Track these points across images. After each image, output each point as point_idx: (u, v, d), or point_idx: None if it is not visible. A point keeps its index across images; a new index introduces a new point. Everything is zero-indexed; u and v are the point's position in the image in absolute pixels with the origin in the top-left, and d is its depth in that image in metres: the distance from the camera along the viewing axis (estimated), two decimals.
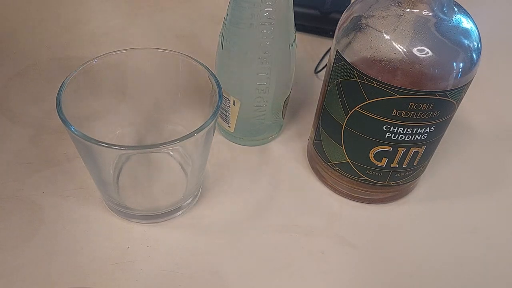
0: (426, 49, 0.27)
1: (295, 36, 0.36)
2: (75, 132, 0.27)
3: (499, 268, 0.33)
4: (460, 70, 0.28)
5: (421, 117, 0.30)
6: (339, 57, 0.31)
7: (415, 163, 0.34)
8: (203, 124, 0.29)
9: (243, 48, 0.35)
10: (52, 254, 0.31)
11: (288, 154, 0.40)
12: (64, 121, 0.28)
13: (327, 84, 0.33)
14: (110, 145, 0.27)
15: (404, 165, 0.33)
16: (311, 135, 0.38)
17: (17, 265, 0.31)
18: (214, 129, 0.32)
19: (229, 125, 0.39)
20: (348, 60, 0.30)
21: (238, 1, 0.33)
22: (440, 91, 0.28)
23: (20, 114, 0.42)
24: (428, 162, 0.35)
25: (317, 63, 0.50)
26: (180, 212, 0.34)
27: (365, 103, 0.30)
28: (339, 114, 0.32)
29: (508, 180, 0.40)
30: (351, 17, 0.30)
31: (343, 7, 0.54)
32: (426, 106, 0.29)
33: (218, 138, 0.41)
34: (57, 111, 0.29)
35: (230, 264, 0.32)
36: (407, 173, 0.34)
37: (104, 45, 0.51)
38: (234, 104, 0.37)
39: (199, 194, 0.36)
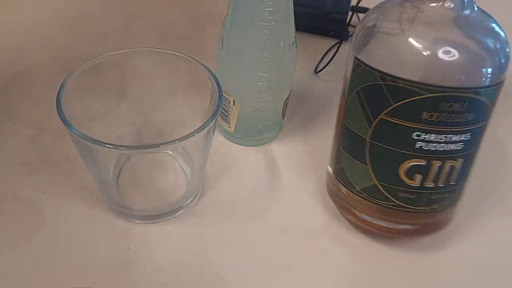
0: (452, 42, 0.26)
1: (295, 36, 0.36)
2: (75, 132, 0.27)
3: None
4: (492, 64, 0.26)
5: (454, 120, 0.27)
6: (357, 63, 0.28)
7: (452, 182, 0.30)
8: (203, 124, 0.29)
9: (243, 48, 0.35)
10: (52, 255, 0.31)
11: (288, 154, 0.40)
12: (64, 121, 0.28)
13: (345, 98, 0.30)
14: (110, 145, 0.27)
15: (440, 184, 0.29)
16: (330, 167, 0.34)
17: (17, 266, 0.31)
18: (214, 129, 0.32)
19: (229, 125, 0.39)
20: (369, 64, 0.28)
21: (238, 1, 0.33)
22: (473, 88, 0.26)
23: (20, 114, 0.42)
24: (465, 182, 0.31)
25: (317, 63, 0.50)
26: (180, 212, 0.34)
27: (391, 107, 0.27)
28: (362, 126, 0.29)
29: None
30: (369, 21, 0.29)
31: (343, 7, 0.54)
32: (459, 106, 0.26)
33: (218, 138, 0.41)
34: (57, 111, 0.29)
35: (230, 264, 0.32)
36: (444, 195, 0.30)
37: (104, 45, 0.51)
38: (234, 104, 0.37)
39: (199, 194, 0.36)
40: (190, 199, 0.35)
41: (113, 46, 0.50)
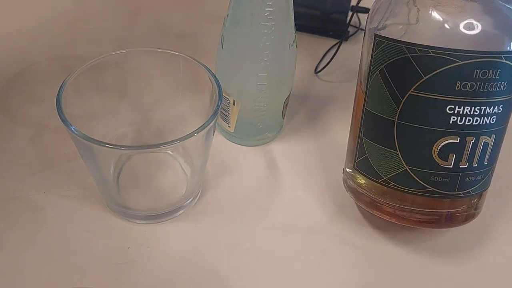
0: (479, 9, 0.25)
1: (295, 36, 0.36)
2: (75, 132, 0.27)
3: None
4: None
5: (488, 89, 0.26)
6: (379, 40, 0.27)
7: (485, 162, 0.29)
8: (203, 124, 0.29)
9: (243, 48, 0.35)
10: (52, 254, 0.31)
11: (288, 154, 0.40)
12: (64, 121, 0.28)
13: (367, 82, 0.29)
14: (110, 145, 0.27)
15: (474, 164, 0.28)
16: (348, 163, 0.33)
17: (17, 265, 0.31)
18: (214, 129, 0.32)
19: (229, 125, 0.39)
20: (393, 37, 0.27)
21: (239, 1, 0.33)
22: (506, 53, 0.26)
23: (20, 114, 0.42)
24: (495, 165, 0.31)
25: (317, 63, 0.50)
26: (180, 212, 0.34)
27: (422, 80, 0.26)
28: (389, 108, 0.28)
29: None
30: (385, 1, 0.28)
31: (343, 7, 0.54)
32: (492, 73, 0.26)
33: (218, 138, 0.41)
34: (57, 111, 0.29)
35: (230, 264, 0.32)
36: (477, 177, 0.29)
37: (104, 45, 0.51)
38: (234, 104, 0.37)
39: (199, 194, 0.36)
40: (190, 199, 0.35)
41: (113, 46, 0.50)
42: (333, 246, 0.33)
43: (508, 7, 0.26)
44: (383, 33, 0.27)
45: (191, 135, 0.28)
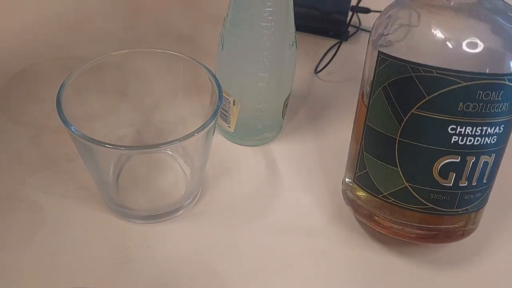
0: (480, 29, 0.25)
1: (295, 36, 0.36)
2: (75, 132, 0.27)
3: None
4: None
5: (490, 110, 0.26)
6: (382, 57, 0.27)
7: (485, 180, 0.29)
8: (203, 124, 0.29)
9: (243, 48, 0.35)
10: (52, 254, 0.31)
11: (288, 155, 0.40)
12: (64, 121, 0.28)
13: (369, 97, 0.29)
14: (110, 145, 0.27)
15: (474, 183, 0.29)
16: (348, 174, 0.33)
17: (17, 265, 0.31)
18: (214, 129, 0.32)
19: (229, 125, 0.39)
20: (397, 55, 0.26)
21: (239, 1, 0.33)
22: (509, 74, 0.26)
23: (20, 114, 0.42)
24: (494, 182, 0.31)
25: (317, 63, 0.50)
26: (180, 212, 0.34)
27: (425, 100, 0.26)
28: (391, 125, 0.28)
29: None
30: (391, 14, 0.28)
31: (343, 7, 0.54)
32: (495, 94, 0.26)
33: (218, 138, 0.41)
34: (57, 111, 0.29)
35: (230, 264, 0.32)
36: (476, 195, 0.30)
37: (104, 45, 0.51)
38: (234, 105, 0.37)
39: (199, 194, 0.36)
40: (190, 199, 0.35)
41: (113, 46, 0.50)
42: (333, 247, 0.33)
43: (509, 27, 0.26)
44: (387, 50, 0.27)
45: (191, 135, 0.28)
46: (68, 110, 0.29)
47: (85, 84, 0.32)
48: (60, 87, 0.30)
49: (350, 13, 0.54)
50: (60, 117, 0.28)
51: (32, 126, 0.40)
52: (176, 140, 0.28)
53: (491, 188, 0.31)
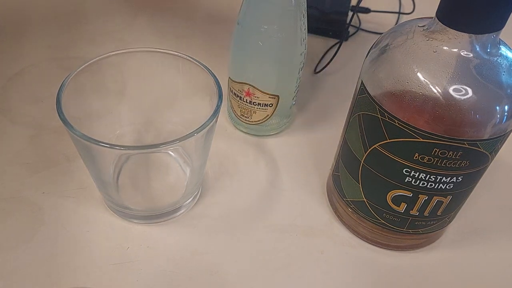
0: (463, 90, 0.24)
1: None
2: (75, 132, 0.27)
3: None
4: (496, 119, 0.25)
5: (446, 165, 0.26)
6: (362, 88, 0.28)
7: (439, 213, 0.30)
8: (203, 124, 0.29)
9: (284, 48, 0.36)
10: (52, 255, 0.31)
11: (287, 155, 0.40)
12: (64, 121, 0.28)
13: (349, 115, 0.31)
14: (110, 145, 0.27)
15: (426, 214, 0.30)
16: (332, 167, 0.35)
17: (17, 266, 0.31)
18: (214, 129, 0.32)
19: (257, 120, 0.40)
20: (371, 93, 0.27)
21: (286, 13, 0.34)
22: (470, 140, 0.25)
23: (20, 114, 0.42)
24: (456, 213, 0.32)
25: (317, 63, 0.50)
26: (180, 212, 0.34)
27: (385, 142, 0.27)
28: (359, 149, 0.30)
29: None
30: (379, 46, 0.28)
31: (343, 7, 0.54)
32: (453, 154, 0.26)
33: (218, 138, 0.41)
34: (57, 111, 0.28)
35: (230, 264, 0.32)
36: (428, 223, 0.31)
37: (104, 45, 0.51)
38: (271, 106, 0.39)
39: (199, 194, 0.36)
40: (190, 199, 0.35)
41: (113, 46, 0.50)
42: (332, 247, 0.33)
43: (487, 84, 0.24)
44: (368, 82, 0.28)
45: (190, 135, 0.28)
46: (68, 110, 0.29)
47: (84, 84, 0.32)
48: (59, 87, 0.30)
49: (350, 13, 0.54)
50: (60, 117, 0.28)
51: (31, 126, 0.40)
52: (176, 140, 0.28)
53: (453, 216, 0.32)
